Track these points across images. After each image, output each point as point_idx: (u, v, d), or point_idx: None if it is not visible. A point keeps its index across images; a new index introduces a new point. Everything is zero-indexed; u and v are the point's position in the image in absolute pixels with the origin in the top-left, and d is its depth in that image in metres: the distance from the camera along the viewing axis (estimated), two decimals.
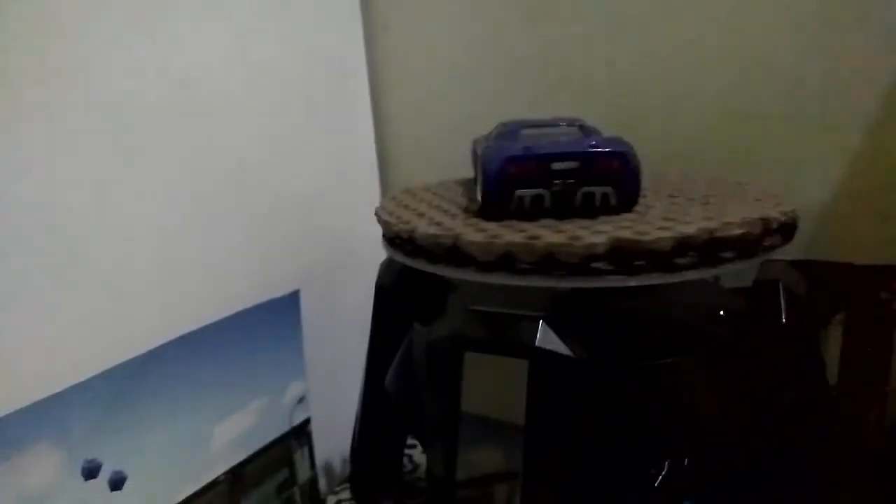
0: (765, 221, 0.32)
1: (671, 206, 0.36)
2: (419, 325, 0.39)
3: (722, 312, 0.39)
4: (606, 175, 0.33)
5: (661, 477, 0.32)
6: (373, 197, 0.61)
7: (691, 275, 0.30)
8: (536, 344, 0.32)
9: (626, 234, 0.30)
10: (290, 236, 0.50)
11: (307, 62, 0.52)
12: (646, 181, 0.43)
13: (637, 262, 0.30)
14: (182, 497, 0.42)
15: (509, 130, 0.38)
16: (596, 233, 0.31)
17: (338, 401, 0.55)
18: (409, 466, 0.58)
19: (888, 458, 0.47)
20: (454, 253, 0.33)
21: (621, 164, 0.33)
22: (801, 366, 0.37)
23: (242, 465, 0.47)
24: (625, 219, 0.33)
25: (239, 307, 0.46)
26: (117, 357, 0.37)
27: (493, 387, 0.35)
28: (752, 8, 0.48)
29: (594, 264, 0.30)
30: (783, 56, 0.47)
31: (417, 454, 0.59)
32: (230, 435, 0.46)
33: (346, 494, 0.56)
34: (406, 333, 0.41)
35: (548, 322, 0.33)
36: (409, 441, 0.56)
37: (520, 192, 0.34)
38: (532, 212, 0.34)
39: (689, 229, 0.30)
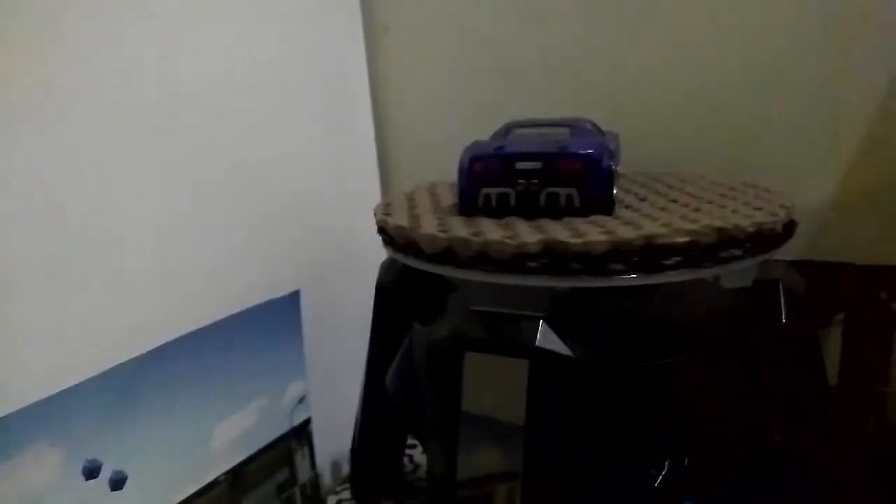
0: (722, 232, 0.31)
1: (659, 209, 0.36)
2: (419, 325, 0.39)
3: (722, 312, 0.39)
4: (569, 176, 0.34)
5: (661, 477, 0.32)
6: (373, 197, 0.61)
7: (627, 280, 0.30)
8: (536, 344, 0.32)
9: (561, 235, 0.30)
10: (290, 236, 0.50)
11: (307, 62, 0.52)
12: (659, 184, 0.43)
13: (573, 265, 0.30)
14: (182, 497, 0.42)
15: (504, 130, 0.38)
16: (539, 232, 0.31)
17: (338, 401, 0.55)
18: (409, 466, 0.58)
19: (888, 458, 0.47)
20: (413, 244, 0.34)
21: (585, 166, 0.34)
22: (801, 366, 0.37)
23: (242, 465, 0.47)
24: (587, 221, 0.34)
25: (239, 307, 0.46)
26: (117, 357, 0.37)
27: (493, 387, 0.35)
28: (752, 8, 0.48)
29: (529, 263, 0.30)
30: (784, 56, 0.47)
31: (417, 454, 0.59)
32: (230, 435, 0.46)
33: (346, 494, 0.56)
34: (406, 333, 0.41)
35: (548, 322, 0.33)
36: (409, 441, 0.56)
37: (486, 189, 0.35)
38: (498, 210, 0.35)
39: (629, 234, 0.30)
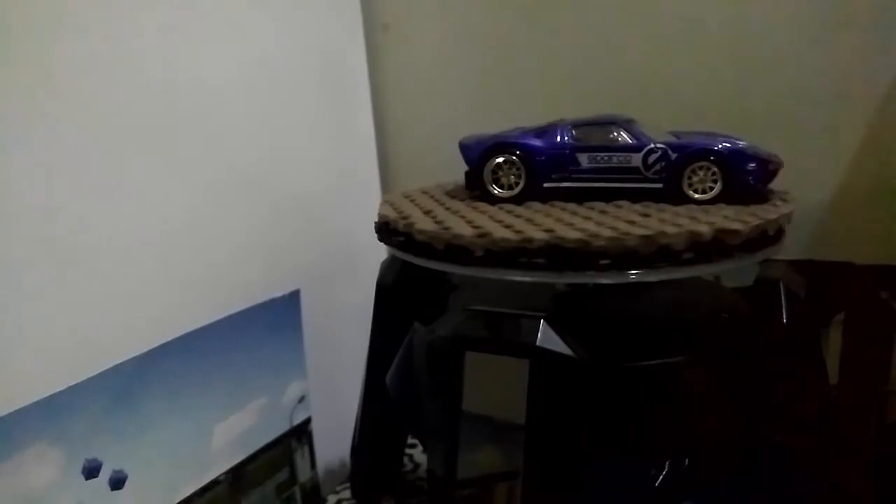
0: (526, 239, 0.31)
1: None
2: (420, 325, 0.39)
3: (722, 312, 0.39)
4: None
5: (661, 477, 0.32)
6: (373, 197, 0.61)
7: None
8: (537, 344, 0.32)
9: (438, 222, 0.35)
10: (290, 236, 0.50)
11: (307, 62, 0.52)
12: None
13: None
14: (182, 496, 0.42)
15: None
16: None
17: (338, 401, 0.55)
18: (409, 466, 0.58)
19: (888, 458, 0.47)
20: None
21: (464, 157, 0.40)
22: (801, 365, 0.37)
23: (242, 464, 0.47)
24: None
25: (239, 307, 0.46)
26: (117, 357, 0.37)
27: (493, 386, 0.35)
28: (753, 9, 0.48)
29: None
30: (784, 57, 0.47)
31: (417, 454, 0.59)
32: (230, 435, 0.46)
33: (346, 494, 0.56)
34: (407, 333, 0.41)
35: (548, 322, 0.33)
36: (409, 441, 0.56)
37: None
38: None
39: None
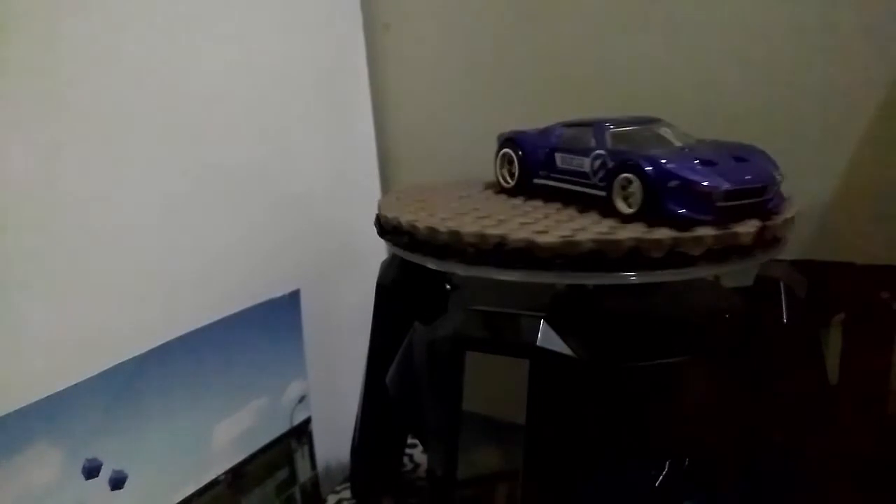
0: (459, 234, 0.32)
1: None
2: (420, 325, 0.39)
3: (722, 312, 0.39)
4: None
5: (661, 477, 0.32)
6: (373, 197, 0.61)
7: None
8: (537, 343, 0.32)
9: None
10: (290, 236, 0.50)
11: (307, 62, 0.52)
12: None
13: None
14: (182, 496, 0.42)
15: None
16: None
17: (338, 401, 0.55)
18: (409, 466, 0.58)
19: (888, 458, 0.47)
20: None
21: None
22: (801, 365, 0.37)
23: (242, 464, 0.47)
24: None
25: (239, 307, 0.46)
26: (117, 357, 0.37)
27: (493, 386, 0.35)
28: (753, 11, 0.48)
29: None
30: (784, 58, 0.47)
31: (417, 454, 0.59)
32: (230, 435, 0.46)
33: (346, 494, 0.56)
34: (407, 333, 0.41)
35: (548, 322, 0.33)
36: (409, 441, 0.56)
37: None
38: None
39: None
